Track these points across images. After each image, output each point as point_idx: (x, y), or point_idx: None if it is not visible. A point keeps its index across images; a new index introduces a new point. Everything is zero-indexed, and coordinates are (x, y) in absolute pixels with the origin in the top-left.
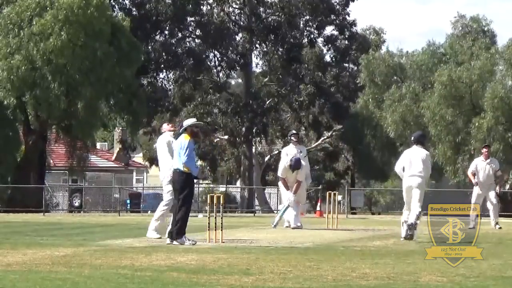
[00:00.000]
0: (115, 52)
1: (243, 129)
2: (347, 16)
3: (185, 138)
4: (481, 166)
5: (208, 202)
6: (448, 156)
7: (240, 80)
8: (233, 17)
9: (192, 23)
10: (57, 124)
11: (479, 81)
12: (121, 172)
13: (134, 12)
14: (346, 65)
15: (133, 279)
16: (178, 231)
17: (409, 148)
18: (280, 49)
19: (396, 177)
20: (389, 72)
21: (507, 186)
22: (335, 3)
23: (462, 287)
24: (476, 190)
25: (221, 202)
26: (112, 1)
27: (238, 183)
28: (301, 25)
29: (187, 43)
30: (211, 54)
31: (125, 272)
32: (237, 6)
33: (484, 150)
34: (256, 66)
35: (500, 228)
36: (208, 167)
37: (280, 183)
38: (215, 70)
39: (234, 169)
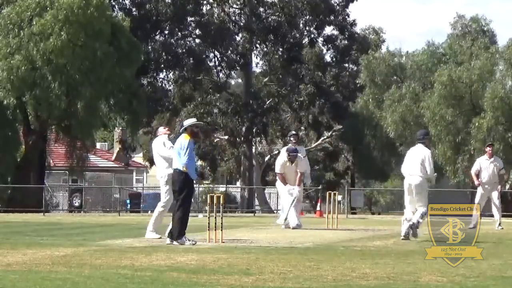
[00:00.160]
0: (115, 52)
1: (243, 129)
2: (347, 17)
3: (185, 138)
4: (484, 165)
5: (208, 202)
6: (448, 156)
7: (240, 80)
8: (233, 17)
9: (192, 23)
10: (57, 124)
11: (479, 81)
12: (121, 172)
13: (134, 12)
14: (346, 65)
15: (133, 279)
16: (178, 232)
17: (412, 147)
18: (280, 49)
19: (396, 177)
20: (389, 72)
21: (507, 186)
22: (335, 4)
23: (462, 287)
24: (480, 190)
25: (221, 202)
26: (112, 1)
27: (238, 183)
28: (301, 25)
29: (187, 43)
30: (211, 54)
31: (125, 272)
32: (237, 6)
33: (488, 148)
34: (256, 66)
35: (502, 228)
36: (208, 167)
37: (277, 181)
38: (215, 70)
39: (234, 169)
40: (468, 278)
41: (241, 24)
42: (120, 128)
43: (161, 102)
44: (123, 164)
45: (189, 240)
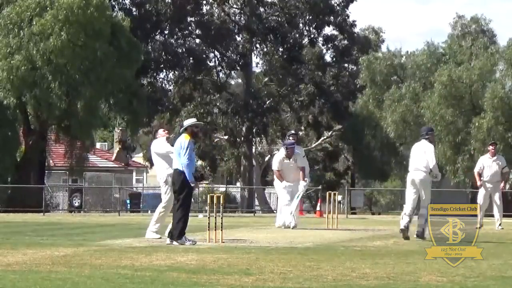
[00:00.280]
0: (115, 52)
1: (243, 129)
2: (347, 18)
3: (185, 138)
4: (487, 164)
5: (208, 202)
6: (448, 156)
7: (240, 80)
8: (233, 17)
9: (192, 23)
10: (57, 124)
11: (479, 81)
12: (121, 172)
13: (134, 12)
14: (346, 65)
15: (133, 279)
16: (178, 232)
17: (417, 143)
18: (280, 49)
19: (396, 177)
20: (389, 72)
21: (507, 186)
22: (335, 4)
23: (462, 287)
24: (482, 190)
25: (221, 202)
26: (112, 1)
27: (238, 183)
28: (301, 25)
29: (187, 43)
30: (211, 54)
31: (125, 272)
32: (237, 7)
33: (490, 147)
34: (257, 66)
35: (502, 228)
36: (208, 167)
37: (275, 179)
38: (215, 70)
39: (234, 169)
40: (468, 278)
41: (241, 24)
42: (120, 128)
43: (161, 102)
44: (123, 164)
45: (189, 240)
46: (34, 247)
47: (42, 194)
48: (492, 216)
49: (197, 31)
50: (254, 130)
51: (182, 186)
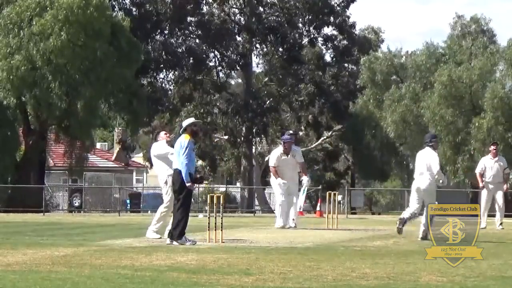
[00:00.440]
0: (115, 52)
1: (243, 129)
2: (347, 19)
3: (185, 138)
4: (489, 164)
5: (208, 202)
6: (448, 156)
7: (240, 80)
8: (233, 17)
9: (192, 23)
10: (57, 124)
11: (479, 81)
12: (121, 172)
13: (134, 12)
14: (346, 65)
15: (133, 279)
16: (178, 232)
17: (421, 150)
18: (280, 49)
19: (396, 177)
20: (389, 72)
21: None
22: (335, 4)
23: (462, 287)
24: (485, 190)
25: (221, 202)
26: (112, 1)
27: (238, 183)
28: (301, 25)
29: (187, 43)
30: (211, 54)
31: (125, 272)
32: (237, 7)
33: (492, 148)
34: (257, 66)
35: (502, 228)
36: (208, 167)
37: (271, 177)
38: (215, 70)
39: (234, 169)
40: (468, 278)
41: (241, 24)
42: (120, 128)
43: (161, 102)
44: (123, 164)
45: (189, 240)
46: (34, 247)
47: (42, 194)
48: (494, 216)
49: (197, 31)
50: (254, 130)
51: (181, 186)
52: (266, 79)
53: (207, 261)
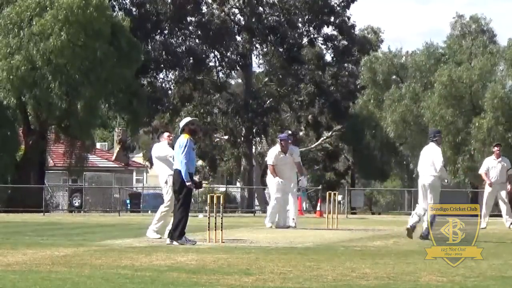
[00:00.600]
0: (115, 52)
1: (243, 129)
2: (347, 19)
3: (184, 137)
4: (492, 165)
5: (208, 202)
6: (448, 156)
7: (240, 80)
8: (233, 17)
9: (192, 23)
10: (57, 124)
11: (479, 81)
12: (121, 172)
13: (134, 12)
14: (346, 65)
15: (133, 279)
16: (178, 232)
17: (425, 146)
18: (280, 49)
19: (396, 177)
20: (389, 72)
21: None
22: (335, 4)
23: (462, 287)
24: (487, 190)
25: (221, 202)
26: (112, 1)
27: (238, 183)
28: (300, 25)
29: (187, 43)
30: (211, 54)
31: (125, 272)
32: (237, 6)
33: (495, 148)
34: (259, 66)
35: None
36: (208, 167)
37: (268, 175)
38: (215, 70)
39: (234, 169)
40: (468, 278)
41: (241, 24)
42: (120, 128)
43: (161, 102)
44: (123, 164)
45: (189, 240)
46: (34, 247)
47: (42, 194)
48: (496, 216)
49: (197, 31)
50: (254, 130)
51: (181, 186)
52: (266, 79)
53: (207, 261)
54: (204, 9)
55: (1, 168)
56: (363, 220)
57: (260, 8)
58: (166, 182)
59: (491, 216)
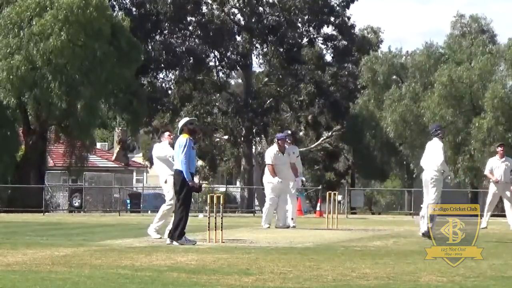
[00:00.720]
0: (115, 52)
1: (243, 129)
2: (347, 19)
3: (183, 137)
4: (496, 165)
5: (208, 202)
6: (448, 156)
7: (240, 80)
8: (233, 17)
9: (192, 23)
10: (57, 124)
11: (479, 81)
12: (121, 172)
13: (134, 12)
14: (346, 65)
15: (133, 279)
16: (178, 232)
17: (429, 141)
18: (280, 49)
19: (396, 177)
20: (389, 72)
21: None
22: (335, 5)
23: (462, 287)
24: (492, 189)
25: (221, 202)
26: (112, 1)
27: (238, 183)
28: (300, 25)
29: (187, 43)
30: (211, 54)
31: (125, 272)
32: (237, 6)
33: (499, 149)
34: (260, 66)
35: None
36: (208, 167)
37: (265, 175)
38: (215, 70)
39: (234, 169)
40: (468, 278)
41: (241, 24)
42: (120, 128)
43: (161, 102)
44: (123, 164)
45: (189, 240)
46: (34, 247)
47: (42, 194)
48: (496, 216)
49: (197, 31)
50: (254, 130)
51: (182, 186)
52: (266, 79)
53: (207, 261)
54: (204, 9)
55: (1, 168)
56: (363, 220)
57: (260, 8)
58: (165, 182)
59: (494, 216)
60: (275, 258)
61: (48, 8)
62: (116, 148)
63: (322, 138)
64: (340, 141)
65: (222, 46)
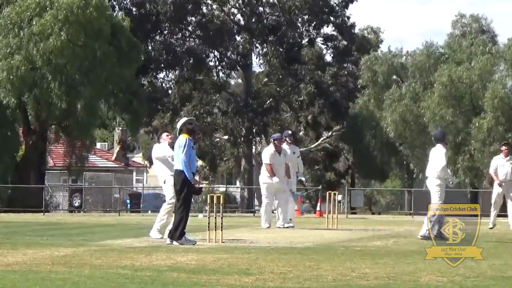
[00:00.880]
0: (115, 52)
1: (243, 129)
2: (346, 19)
3: (183, 137)
4: (501, 164)
5: (208, 202)
6: (448, 156)
7: (240, 80)
8: (233, 17)
9: (192, 23)
10: (57, 124)
11: (479, 81)
12: (121, 172)
13: (134, 12)
14: (346, 65)
15: (133, 279)
16: (178, 232)
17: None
18: (280, 49)
19: (396, 177)
20: (389, 72)
21: None
22: (335, 4)
23: (462, 287)
24: (496, 189)
25: (221, 202)
26: (112, 1)
27: (238, 183)
28: (300, 25)
29: (187, 43)
30: (211, 54)
31: (125, 272)
32: (237, 6)
33: (503, 148)
34: (260, 66)
35: None
36: (208, 167)
37: (262, 175)
38: (215, 70)
39: (234, 169)
40: (468, 278)
41: (241, 24)
42: (120, 128)
43: (161, 102)
44: (123, 164)
45: (189, 240)
46: (34, 247)
47: (42, 194)
48: (500, 216)
49: (197, 31)
50: (254, 130)
51: (182, 186)
52: (266, 79)
53: (207, 261)
54: (204, 9)
55: (1, 168)
56: (363, 220)
57: (260, 8)
58: (164, 182)
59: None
60: (275, 258)
61: (48, 8)
62: (116, 148)
63: (322, 138)
64: (340, 141)
65: (222, 46)
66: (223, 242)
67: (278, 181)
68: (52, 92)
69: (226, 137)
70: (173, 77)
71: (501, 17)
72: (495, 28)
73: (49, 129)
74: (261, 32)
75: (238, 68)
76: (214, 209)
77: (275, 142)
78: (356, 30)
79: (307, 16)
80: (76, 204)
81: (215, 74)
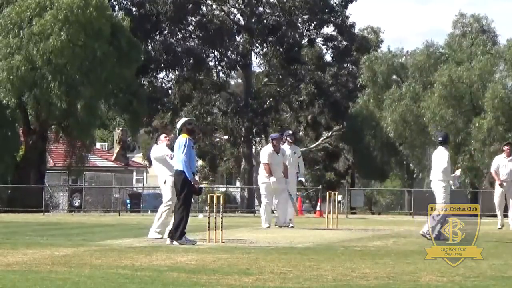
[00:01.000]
0: (115, 52)
1: (243, 129)
2: (346, 19)
3: (182, 137)
4: (503, 163)
5: (208, 202)
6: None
7: (240, 80)
8: (233, 17)
9: (192, 23)
10: (57, 124)
11: (479, 81)
12: (121, 172)
13: (134, 12)
14: (346, 65)
15: (133, 279)
16: (178, 232)
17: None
18: (280, 49)
19: (395, 177)
20: (389, 72)
21: None
22: (335, 4)
23: (462, 287)
24: (498, 190)
25: (221, 202)
26: (112, 1)
27: (238, 183)
28: (300, 25)
29: (187, 43)
30: (211, 54)
31: (125, 272)
32: (237, 7)
33: (506, 147)
34: (259, 67)
35: None
36: (208, 167)
37: (260, 175)
38: (215, 70)
39: (234, 169)
40: (468, 278)
41: (241, 24)
42: (120, 128)
43: (161, 102)
44: (123, 164)
45: (189, 240)
46: (34, 247)
47: (42, 194)
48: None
49: (197, 31)
50: (254, 130)
51: (182, 186)
52: (266, 79)
53: (207, 261)
54: (204, 9)
55: (1, 168)
56: (363, 220)
57: (260, 8)
58: (164, 182)
59: (492, 216)
60: (275, 258)
61: (48, 8)
62: (116, 148)
63: (322, 138)
64: (340, 141)
65: (222, 46)
66: (223, 242)
67: (275, 181)
68: (52, 92)
69: (226, 137)
70: (173, 77)
71: (502, 17)
72: (496, 28)
73: (49, 129)
74: (261, 32)
75: (238, 68)
76: (214, 209)
77: (273, 141)
78: (356, 30)
79: (307, 16)
80: (76, 204)
81: (215, 74)
